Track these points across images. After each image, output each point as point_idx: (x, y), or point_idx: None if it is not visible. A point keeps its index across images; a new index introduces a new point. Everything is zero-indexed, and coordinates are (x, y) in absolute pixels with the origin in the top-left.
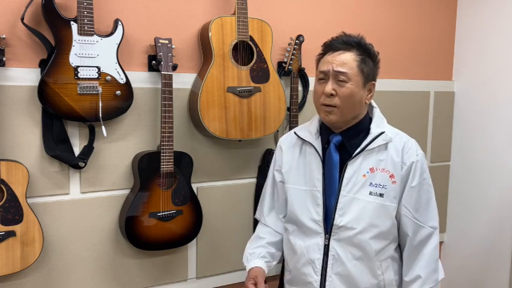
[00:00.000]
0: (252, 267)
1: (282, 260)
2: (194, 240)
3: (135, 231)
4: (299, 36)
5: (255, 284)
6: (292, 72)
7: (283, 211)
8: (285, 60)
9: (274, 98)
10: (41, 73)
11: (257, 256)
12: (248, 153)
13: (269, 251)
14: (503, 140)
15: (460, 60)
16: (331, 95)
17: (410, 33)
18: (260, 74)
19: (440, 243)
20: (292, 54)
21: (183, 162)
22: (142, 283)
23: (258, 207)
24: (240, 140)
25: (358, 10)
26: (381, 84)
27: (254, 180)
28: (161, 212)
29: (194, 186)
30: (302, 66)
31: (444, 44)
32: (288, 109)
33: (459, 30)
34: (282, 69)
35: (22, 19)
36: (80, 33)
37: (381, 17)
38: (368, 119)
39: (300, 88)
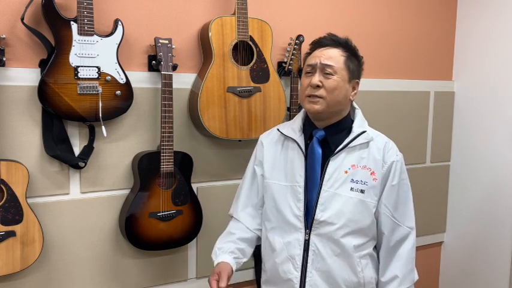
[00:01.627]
0: (219, 262)
1: (256, 261)
2: (194, 240)
3: (135, 231)
4: (299, 36)
5: (218, 281)
6: (292, 72)
7: (261, 206)
8: (285, 60)
9: (274, 98)
10: (41, 73)
11: (225, 251)
12: (248, 153)
13: (239, 246)
14: (503, 140)
15: (460, 60)
16: (318, 86)
17: (410, 33)
18: (260, 74)
19: (440, 243)
20: (292, 54)
21: (183, 162)
22: (142, 283)
23: (233, 203)
24: (240, 140)
25: (358, 10)
26: (381, 84)
27: None
28: (161, 212)
29: (194, 186)
30: (302, 66)
31: (444, 44)
32: (288, 109)
33: (459, 30)
34: (282, 69)
35: (22, 19)
36: (80, 33)
37: (381, 17)
38: (350, 120)
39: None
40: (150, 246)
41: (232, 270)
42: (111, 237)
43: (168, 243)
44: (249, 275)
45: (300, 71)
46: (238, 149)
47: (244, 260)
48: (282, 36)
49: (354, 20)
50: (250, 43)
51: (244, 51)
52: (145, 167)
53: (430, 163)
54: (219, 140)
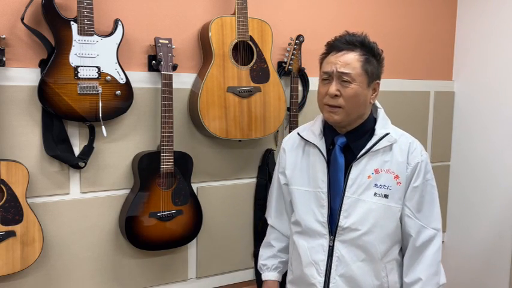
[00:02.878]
0: (266, 281)
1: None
2: (194, 240)
3: (135, 231)
4: (299, 36)
5: None
6: (292, 72)
7: (290, 212)
8: (285, 60)
9: (274, 98)
10: (41, 73)
11: (270, 268)
12: (248, 153)
13: (281, 260)
14: (504, 140)
15: (460, 60)
16: (336, 95)
17: (410, 33)
18: (260, 74)
19: None
20: (292, 54)
21: (183, 162)
22: (142, 283)
23: (267, 207)
24: (240, 140)
25: (358, 10)
26: (381, 84)
27: (254, 180)
28: (161, 212)
29: (194, 186)
30: (302, 66)
31: (444, 44)
32: (288, 109)
33: (459, 30)
34: (282, 69)
35: (22, 19)
36: (80, 33)
37: (381, 17)
38: (372, 120)
39: (300, 88)
40: (150, 246)
41: (279, 285)
42: (111, 237)
43: (168, 243)
44: (249, 275)
45: (299, 71)
46: (238, 149)
47: (287, 267)
48: (282, 36)
49: (354, 20)
50: (250, 43)
51: (244, 51)
52: (145, 167)
53: (430, 163)
54: (219, 140)
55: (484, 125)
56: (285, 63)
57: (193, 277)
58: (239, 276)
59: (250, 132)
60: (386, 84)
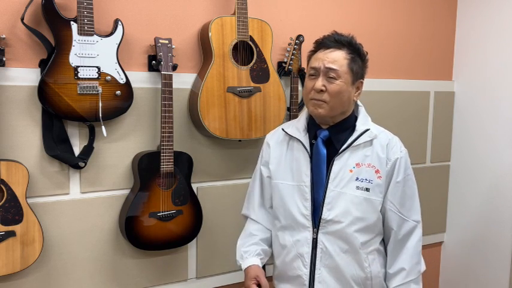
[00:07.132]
0: (250, 266)
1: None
2: (194, 240)
3: (135, 231)
4: (299, 36)
5: (258, 285)
6: (292, 72)
7: (270, 206)
8: (285, 60)
9: (274, 98)
10: (41, 73)
11: (253, 254)
12: (248, 153)
13: (263, 248)
14: (503, 140)
15: (460, 60)
16: (321, 90)
17: (410, 34)
18: (260, 74)
19: (440, 243)
20: (292, 54)
21: (183, 162)
22: (142, 283)
23: (245, 203)
24: (240, 140)
25: (358, 10)
26: (381, 84)
27: None
28: (161, 212)
29: (194, 186)
30: (302, 66)
31: (444, 44)
32: (288, 109)
33: (459, 30)
34: (282, 69)
35: (22, 19)
36: (80, 33)
37: (381, 17)
38: (354, 117)
39: (300, 88)
40: (150, 246)
41: (264, 271)
42: (111, 237)
43: (168, 243)
44: None
45: (300, 71)
46: (238, 149)
47: (267, 259)
48: (282, 36)
49: (354, 21)
50: (250, 43)
51: (244, 51)
52: (145, 167)
53: (430, 163)
54: (219, 140)
55: (484, 125)
56: (285, 63)
57: (193, 277)
58: (239, 276)
59: (250, 132)
60: (386, 84)
